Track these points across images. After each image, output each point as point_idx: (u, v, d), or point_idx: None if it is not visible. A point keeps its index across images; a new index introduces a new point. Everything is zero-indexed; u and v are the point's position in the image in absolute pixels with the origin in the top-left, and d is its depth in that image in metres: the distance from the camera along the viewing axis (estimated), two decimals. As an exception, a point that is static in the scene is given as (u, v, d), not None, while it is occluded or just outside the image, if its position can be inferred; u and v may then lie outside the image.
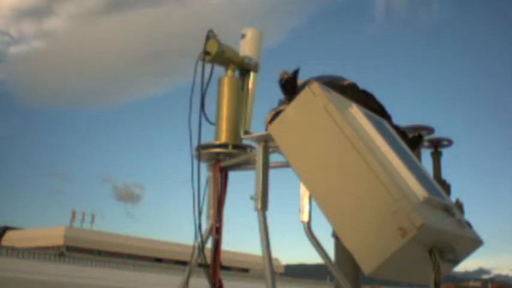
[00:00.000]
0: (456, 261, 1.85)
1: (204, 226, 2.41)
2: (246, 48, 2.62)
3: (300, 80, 2.46)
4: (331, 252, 2.82)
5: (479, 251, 2.07)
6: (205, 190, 2.43)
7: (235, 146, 2.43)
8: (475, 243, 2.03)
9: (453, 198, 2.84)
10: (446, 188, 3.14)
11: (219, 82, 2.54)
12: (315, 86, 1.91)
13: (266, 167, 2.27)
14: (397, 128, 2.45)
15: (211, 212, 2.43)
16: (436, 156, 3.36)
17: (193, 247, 2.37)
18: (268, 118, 2.45)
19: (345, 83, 2.58)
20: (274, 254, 2.24)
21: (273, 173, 2.30)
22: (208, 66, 2.48)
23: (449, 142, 3.39)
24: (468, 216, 2.46)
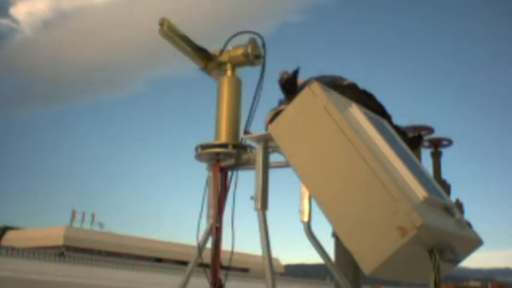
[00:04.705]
0: (456, 261, 1.86)
1: (204, 226, 2.41)
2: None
3: (300, 80, 2.46)
4: (331, 252, 2.82)
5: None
6: (205, 190, 2.44)
7: (235, 146, 2.44)
8: (475, 243, 2.03)
9: (453, 198, 2.84)
10: (446, 188, 3.14)
11: (219, 82, 2.54)
12: (315, 86, 1.91)
13: (266, 167, 2.27)
14: (397, 128, 2.45)
15: (211, 212, 2.43)
16: (436, 156, 3.36)
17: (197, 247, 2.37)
18: (268, 118, 2.45)
19: (345, 83, 2.57)
20: (274, 254, 2.24)
21: (273, 173, 2.30)
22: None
23: (449, 142, 3.39)
24: (468, 216, 2.46)
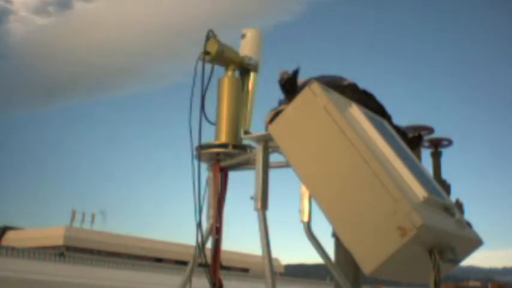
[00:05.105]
0: (456, 261, 1.86)
1: (204, 226, 2.41)
2: (246, 48, 2.62)
3: (300, 80, 2.46)
4: (331, 252, 2.82)
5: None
6: (205, 190, 2.43)
7: (235, 146, 2.44)
8: (475, 243, 2.03)
9: (453, 198, 2.84)
10: (446, 188, 3.14)
11: (219, 82, 2.54)
12: (315, 86, 1.91)
13: (266, 167, 2.27)
14: (397, 128, 2.45)
15: (211, 212, 2.43)
16: (436, 156, 3.36)
17: (194, 247, 2.37)
18: (268, 118, 2.45)
19: (345, 83, 2.58)
20: (274, 254, 2.24)
21: (273, 173, 2.30)
22: (208, 66, 2.48)
23: (449, 142, 3.39)
24: (468, 216, 2.46)
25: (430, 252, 1.73)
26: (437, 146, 3.36)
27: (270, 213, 2.23)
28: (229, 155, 2.45)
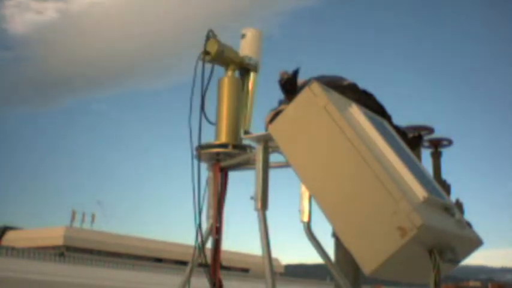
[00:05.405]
0: (456, 261, 1.86)
1: (204, 226, 2.41)
2: (246, 48, 2.62)
3: (300, 80, 2.46)
4: (331, 252, 2.82)
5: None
6: (205, 190, 2.44)
7: (235, 146, 2.44)
8: (475, 243, 2.03)
9: (453, 198, 2.84)
10: (446, 188, 3.14)
11: (219, 82, 2.54)
12: (315, 86, 1.91)
13: (266, 167, 2.27)
14: (397, 128, 2.45)
15: (211, 212, 2.43)
16: (436, 156, 3.36)
17: (194, 247, 2.37)
18: (268, 118, 2.45)
19: (345, 83, 2.58)
20: (274, 254, 2.24)
21: (273, 173, 2.30)
22: (208, 66, 2.48)
23: (449, 142, 3.39)
24: (468, 216, 2.46)
25: (430, 252, 1.73)
26: (437, 146, 3.36)
27: (270, 213, 2.23)
28: (229, 155, 2.45)
